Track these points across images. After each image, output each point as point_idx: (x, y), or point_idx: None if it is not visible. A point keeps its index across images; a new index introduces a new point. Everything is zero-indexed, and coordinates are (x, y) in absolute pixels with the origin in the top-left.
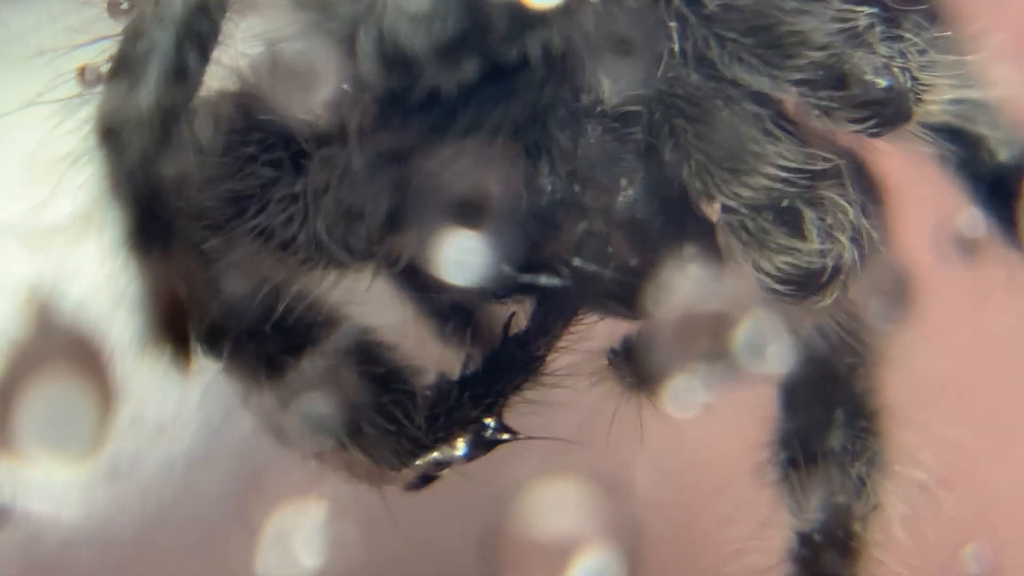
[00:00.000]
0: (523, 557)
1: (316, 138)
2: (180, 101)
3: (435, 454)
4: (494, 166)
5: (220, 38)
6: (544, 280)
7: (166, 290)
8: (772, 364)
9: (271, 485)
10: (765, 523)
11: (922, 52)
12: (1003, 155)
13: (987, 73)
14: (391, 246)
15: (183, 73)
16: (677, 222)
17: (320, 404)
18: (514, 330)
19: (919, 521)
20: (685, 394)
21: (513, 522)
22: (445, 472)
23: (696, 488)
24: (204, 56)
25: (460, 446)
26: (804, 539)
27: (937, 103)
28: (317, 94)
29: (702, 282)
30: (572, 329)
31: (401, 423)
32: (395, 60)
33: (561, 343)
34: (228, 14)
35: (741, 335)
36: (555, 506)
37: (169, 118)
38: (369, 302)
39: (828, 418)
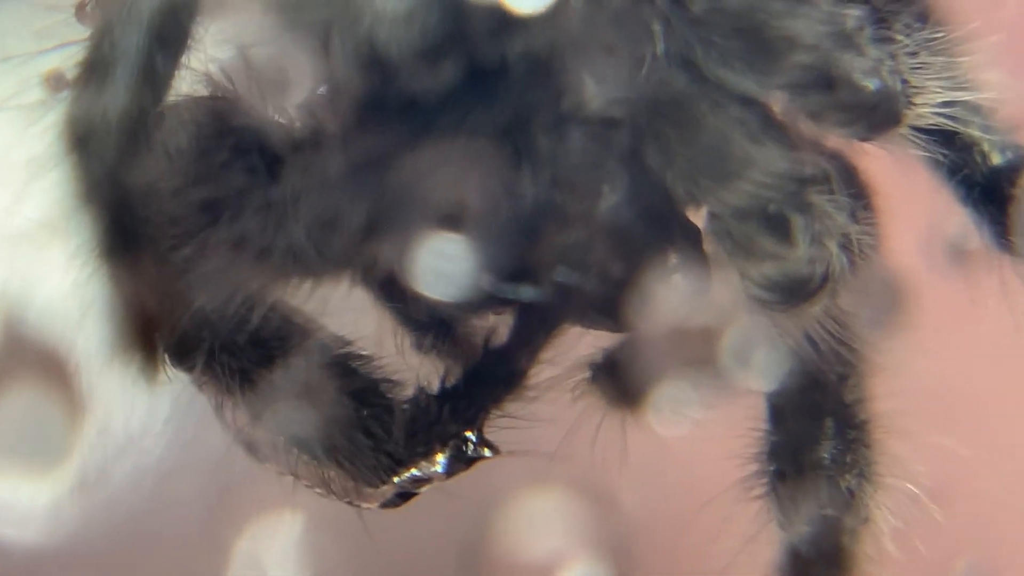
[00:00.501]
0: (505, 574)
1: (291, 144)
2: (149, 106)
3: (413, 470)
4: (474, 172)
5: (189, 42)
6: (525, 292)
7: (135, 300)
8: (759, 375)
9: (243, 499)
10: (753, 537)
11: (912, 54)
12: (996, 159)
13: (979, 75)
14: (369, 254)
15: (152, 77)
16: (662, 229)
17: (294, 418)
18: (495, 343)
19: (911, 534)
20: (671, 407)
21: (495, 538)
22: (424, 489)
23: (683, 502)
24: (173, 60)
25: (439, 462)
26: (793, 553)
27: (928, 106)
28: (292, 98)
29: (688, 291)
30: (554, 342)
31: (379, 438)
32: (372, 64)
33: (543, 356)
34: (197, 18)
35: (728, 345)
36: (538, 521)
37: (138, 123)
38: (346, 312)
39: (817, 429)
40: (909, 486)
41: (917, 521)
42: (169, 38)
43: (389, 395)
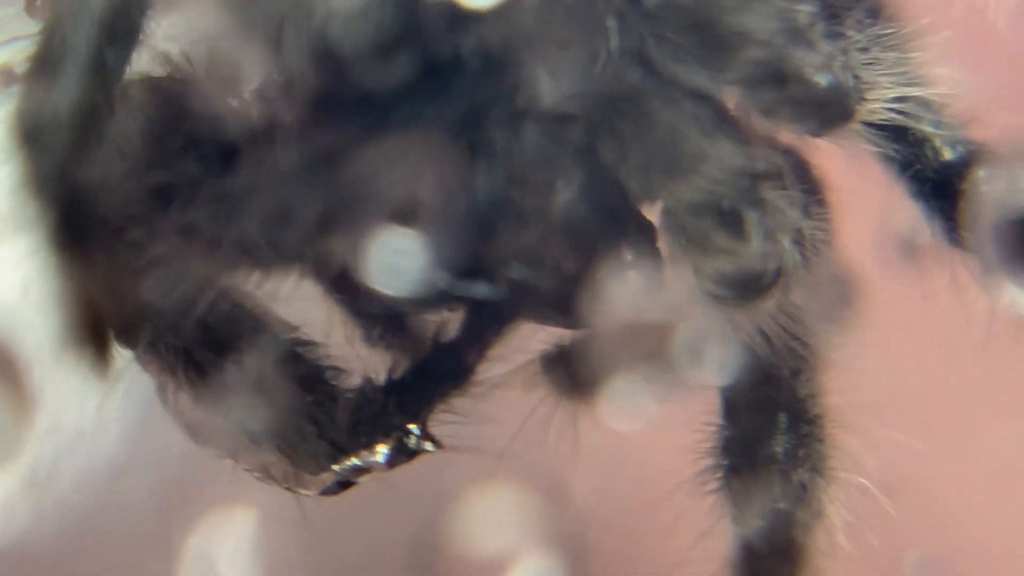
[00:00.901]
0: (459, 570)
1: (245, 136)
2: (99, 101)
3: (355, 459)
4: (428, 168)
5: (140, 36)
6: (478, 289)
7: (86, 294)
8: (713, 369)
9: (194, 496)
10: (707, 532)
11: (864, 50)
12: (947, 154)
13: (930, 71)
14: (321, 249)
15: (102, 72)
16: (616, 224)
17: (237, 402)
18: (445, 338)
19: (863, 528)
20: (625, 401)
21: (447, 533)
22: (364, 478)
23: (637, 497)
24: (124, 55)
25: (381, 452)
26: (746, 547)
27: (880, 102)
28: (246, 92)
29: (641, 286)
30: (504, 338)
31: (322, 425)
32: (327, 58)
33: (493, 352)
34: (148, 12)
35: (682, 340)
36: (491, 517)
37: (88, 118)
38: (296, 301)
39: (770, 424)
40: (861, 480)
41: (869, 515)
42: (120, 33)
43: (334, 383)
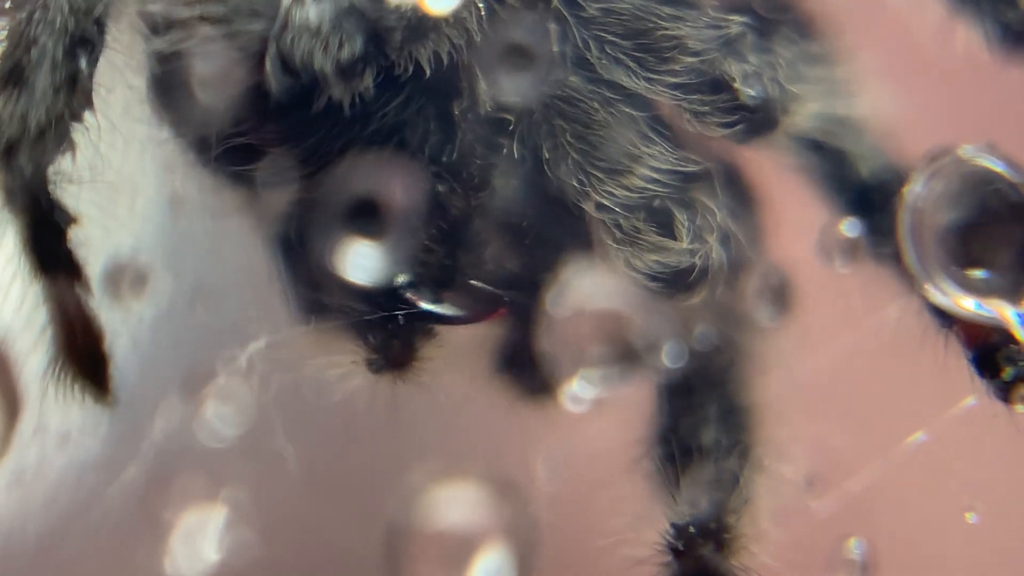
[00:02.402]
0: (424, 555)
1: (212, 138)
2: (73, 109)
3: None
4: (383, 170)
5: (107, 45)
6: (422, 291)
7: (65, 309)
8: (650, 362)
9: (175, 491)
10: (644, 516)
11: (791, 64)
12: (865, 171)
13: (855, 89)
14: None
15: (74, 81)
16: (555, 221)
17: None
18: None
19: (794, 516)
20: (571, 391)
21: (414, 521)
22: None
23: (583, 482)
24: (93, 63)
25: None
26: (679, 531)
27: (804, 115)
28: (215, 101)
29: (579, 281)
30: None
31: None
32: (299, 74)
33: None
34: (114, 20)
35: (618, 334)
36: (454, 504)
37: (62, 127)
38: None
39: (703, 415)
40: (789, 470)
41: (800, 503)
42: (89, 42)
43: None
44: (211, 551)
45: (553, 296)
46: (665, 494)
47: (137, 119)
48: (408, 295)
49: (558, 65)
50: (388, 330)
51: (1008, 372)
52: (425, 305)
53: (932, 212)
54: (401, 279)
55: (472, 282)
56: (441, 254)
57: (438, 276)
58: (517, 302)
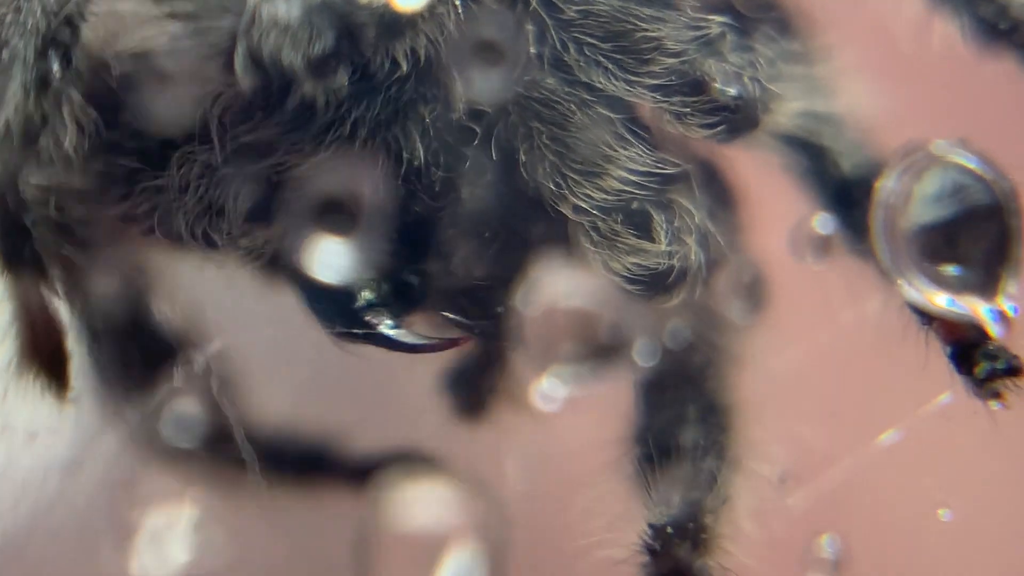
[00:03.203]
0: (394, 555)
1: (180, 135)
2: (44, 111)
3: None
4: (355, 167)
5: (81, 45)
6: (385, 316)
7: (36, 308)
8: (627, 362)
9: (143, 491)
10: (621, 516)
11: (771, 63)
12: (847, 167)
13: (835, 86)
14: (254, 240)
15: (45, 82)
16: (532, 223)
17: (188, 411)
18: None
19: (769, 514)
20: (541, 389)
21: (385, 520)
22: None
23: (561, 482)
24: (67, 64)
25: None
26: (657, 532)
27: (785, 114)
28: (185, 98)
29: (558, 282)
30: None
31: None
32: (269, 71)
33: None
34: (89, 21)
35: (596, 335)
36: (427, 502)
37: (33, 129)
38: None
39: (681, 415)
40: (767, 469)
41: (776, 502)
42: (62, 43)
43: None
44: (179, 552)
45: (523, 294)
46: (643, 494)
47: None
48: (367, 317)
49: (531, 63)
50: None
51: (982, 368)
52: (383, 330)
53: (904, 208)
54: (363, 299)
55: (443, 313)
56: (408, 267)
57: (403, 297)
58: (485, 333)
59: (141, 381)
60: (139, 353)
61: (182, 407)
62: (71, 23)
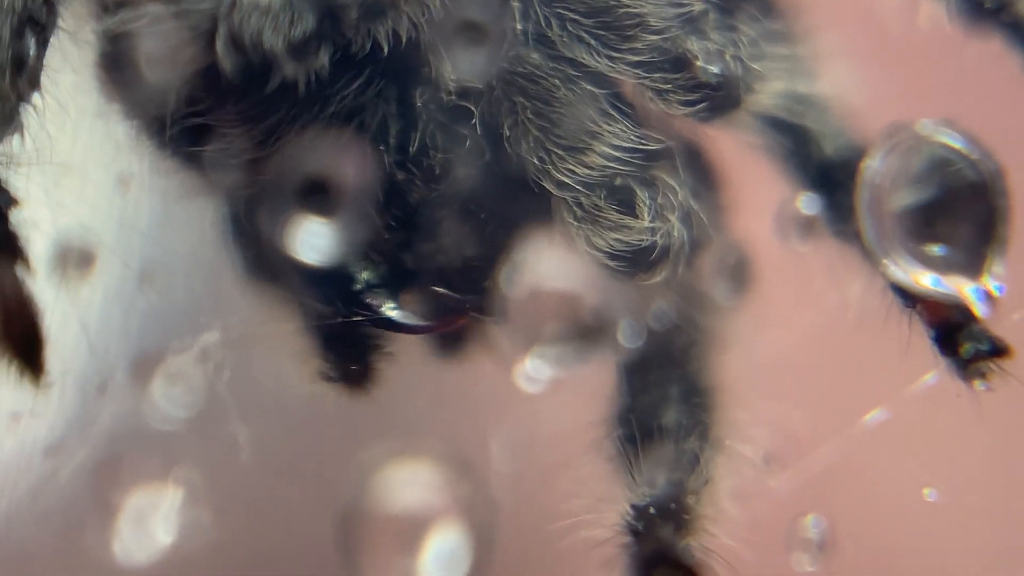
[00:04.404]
0: (378, 536)
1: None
2: (20, 91)
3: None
4: (340, 148)
5: (58, 26)
6: (383, 296)
7: (10, 291)
8: (611, 342)
9: (126, 474)
10: (604, 497)
11: (754, 43)
12: (828, 149)
13: (818, 67)
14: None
15: (22, 62)
16: (516, 199)
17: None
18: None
19: (753, 495)
20: (525, 370)
21: (370, 501)
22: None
23: (545, 463)
24: (43, 45)
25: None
26: (640, 512)
27: (767, 94)
28: (171, 81)
29: (542, 263)
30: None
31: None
32: (250, 53)
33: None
34: (64, 1)
35: (579, 313)
36: (411, 483)
37: (9, 108)
38: None
39: (663, 395)
40: (749, 450)
41: (758, 483)
42: (38, 23)
43: None
44: (163, 534)
45: (507, 274)
46: (626, 475)
47: (86, 99)
48: (367, 299)
49: (514, 42)
50: (345, 347)
51: (966, 349)
52: (386, 312)
53: (890, 188)
54: (360, 282)
55: (435, 288)
56: (397, 243)
57: (396, 275)
58: (481, 310)
59: None
60: None
61: (170, 388)
62: (49, 3)
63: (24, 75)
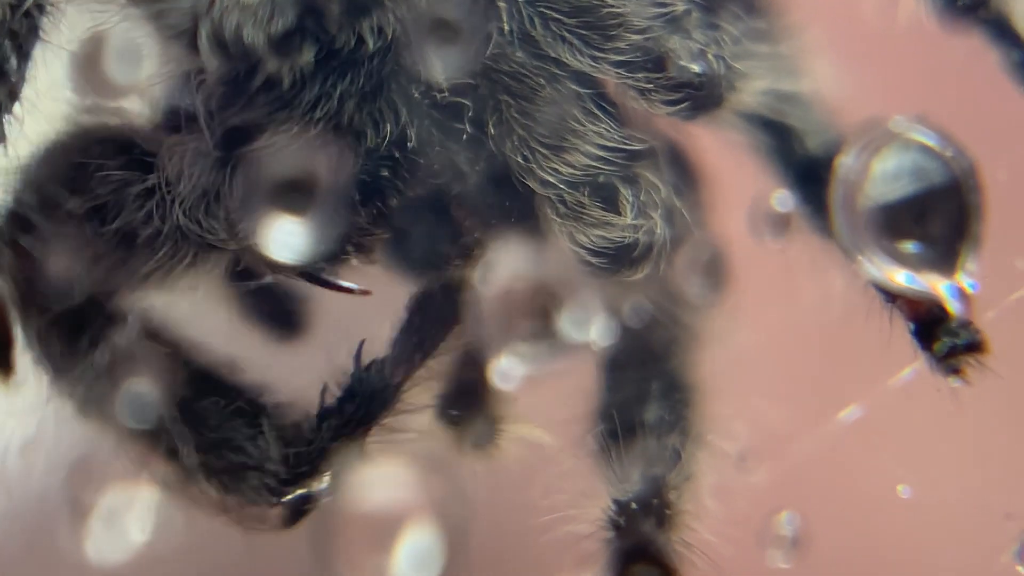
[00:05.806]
0: (355, 534)
1: (162, 130)
2: (1, 104)
3: (301, 490)
4: (327, 146)
5: (39, 36)
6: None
7: None
8: (592, 338)
9: (100, 471)
10: (585, 492)
11: (737, 41)
12: (811, 146)
13: (801, 65)
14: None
15: (3, 75)
16: (500, 196)
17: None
18: (369, 359)
19: (730, 491)
20: (499, 368)
21: (344, 500)
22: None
23: (523, 459)
24: (24, 57)
25: (325, 479)
26: (621, 508)
27: (750, 92)
28: (154, 83)
29: (523, 256)
30: (431, 359)
31: (259, 459)
32: (233, 50)
33: (420, 373)
34: (48, 11)
35: (562, 309)
36: (385, 482)
37: None
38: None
39: (644, 391)
40: (729, 446)
41: (738, 478)
42: (18, 35)
43: (260, 411)
44: (136, 532)
45: (482, 270)
46: (607, 470)
47: (61, 101)
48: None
49: (500, 41)
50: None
51: (943, 344)
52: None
53: (863, 185)
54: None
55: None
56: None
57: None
58: (457, 273)
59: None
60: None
61: (142, 387)
62: (29, 14)
63: (4, 87)
